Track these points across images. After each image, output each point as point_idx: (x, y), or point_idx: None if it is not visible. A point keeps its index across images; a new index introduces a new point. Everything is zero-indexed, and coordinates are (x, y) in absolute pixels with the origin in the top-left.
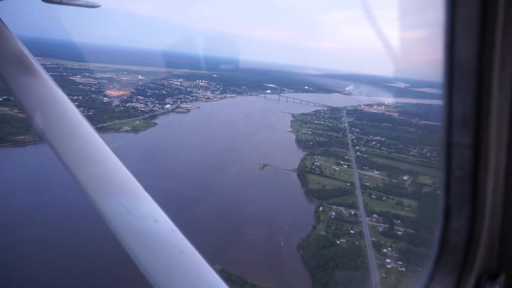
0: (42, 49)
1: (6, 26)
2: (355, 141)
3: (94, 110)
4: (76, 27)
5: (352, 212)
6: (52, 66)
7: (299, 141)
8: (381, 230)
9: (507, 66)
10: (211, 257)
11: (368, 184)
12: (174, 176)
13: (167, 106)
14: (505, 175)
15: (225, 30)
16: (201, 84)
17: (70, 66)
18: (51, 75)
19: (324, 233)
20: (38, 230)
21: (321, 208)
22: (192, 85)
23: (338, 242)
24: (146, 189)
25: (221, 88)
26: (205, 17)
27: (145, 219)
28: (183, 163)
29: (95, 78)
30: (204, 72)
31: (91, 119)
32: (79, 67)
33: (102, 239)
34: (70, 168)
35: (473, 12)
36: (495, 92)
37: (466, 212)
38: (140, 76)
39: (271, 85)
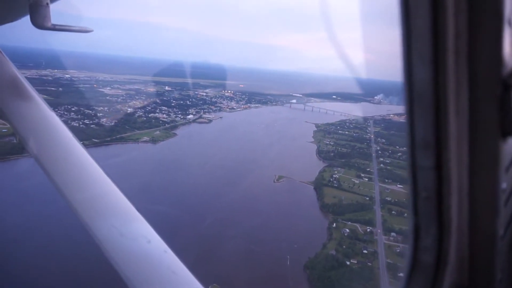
0: (78, 62)
1: (0, 51)
2: (379, 152)
3: (116, 121)
4: (110, 42)
5: (368, 230)
6: (85, 78)
7: (319, 152)
8: (398, 250)
9: (461, 92)
10: (210, 275)
11: (389, 198)
12: (184, 188)
13: (190, 116)
14: (468, 194)
15: (254, 40)
16: (226, 94)
17: (102, 78)
18: (83, 87)
19: (334, 252)
20: (28, 252)
21: (334, 225)
22: (217, 95)
23: (348, 263)
24: (139, 210)
25: (246, 98)
26: (234, 28)
27: (137, 240)
28: (195, 174)
29: (124, 90)
30: (230, 82)
31: (113, 130)
32: (110, 79)
33: (95, 261)
34: (62, 191)
35: (426, 45)
36: (452, 117)
37: (434, 230)
38: (167, 87)
39: (297, 95)
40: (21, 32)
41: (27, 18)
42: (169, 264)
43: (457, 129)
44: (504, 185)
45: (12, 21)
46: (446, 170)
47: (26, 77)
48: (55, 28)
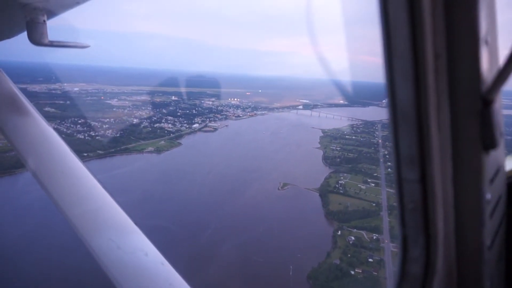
0: (87, 76)
1: None
2: (387, 156)
3: (122, 132)
4: (118, 53)
5: (375, 237)
6: (93, 91)
7: (326, 158)
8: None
9: (442, 109)
10: (209, 286)
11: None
12: (186, 197)
13: (195, 125)
14: (454, 206)
15: (259, 48)
16: (232, 102)
17: (110, 91)
18: (90, 100)
19: (338, 261)
20: (28, 263)
21: (339, 232)
22: (223, 104)
23: (352, 272)
24: (136, 223)
25: (252, 106)
26: (238, 36)
27: (135, 253)
28: (198, 183)
29: (130, 101)
30: (236, 90)
31: (118, 141)
32: (118, 91)
33: (93, 274)
34: (60, 205)
35: (407, 64)
36: (434, 133)
37: (421, 241)
38: (173, 97)
39: (304, 101)
40: (32, 47)
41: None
42: (166, 277)
43: (439, 144)
44: (488, 196)
45: (9, 37)
46: (431, 183)
47: (36, 92)
48: (52, 44)
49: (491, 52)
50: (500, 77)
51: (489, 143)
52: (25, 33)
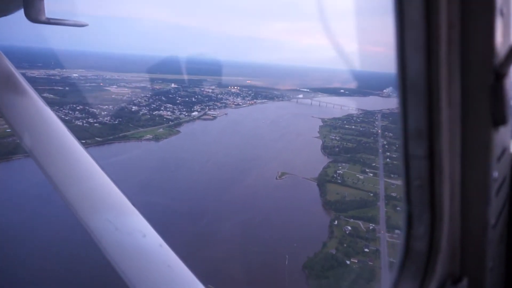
0: (87, 62)
1: None
2: (386, 146)
3: (120, 119)
4: (118, 39)
5: (371, 227)
6: (93, 77)
7: (325, 148)
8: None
9: (453, 82)
10: (204, 275)
11: (394, 194)
12: (182, 185)
13: (194, 113)
14: (460, 183)
15: (259, 35)
16: (232, 90)
17: (109, 77)
18: (90, 86)
19: (334, 251)
20: (27, 249)
21: (336, 222)
22: (223, 92)
23: (348, 262)
24: (134, 204)
25: (252, 94)
26: (239, 23)
27: (132, 234)
28: (195, 171)
29: (130, 88)
30: (237, 78)
31: (116, 128)
32: (117, 77)
33: (90, 256)
34: (57, 185)
35: (419, 34)
36: (445, 106)
37: (426, 219)
38: (173, 84)
39: (304, 89)
40: (31, 32)
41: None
42: (164, 258)
43: (449, 118)
44: (495, 174)
45: (5, 15)
46: (438, 159)
47: (35, 77)
48: (49, 22)
49: (506, 25)
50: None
51: (499, 119)
52: (23, 15)
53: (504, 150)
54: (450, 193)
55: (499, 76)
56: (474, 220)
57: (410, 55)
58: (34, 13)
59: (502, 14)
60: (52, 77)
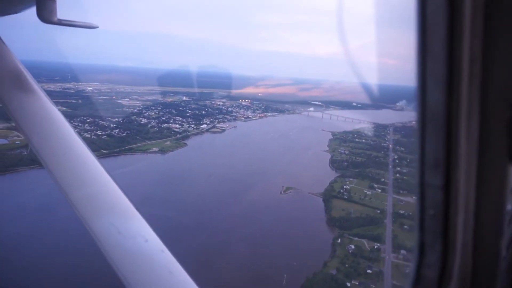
0: (101, 76)
1: (3, 43)
2: (396, 161)
3: (128, 132)
4: (133, 53)
5: (376, 246)
6: (106, 90)
7: (333, 162)
8: (408, 271)
9: (472, 115)
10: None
11: (402, 211)
12: (185, 199)
13: (203, 126)
14: (474, 214)
15: (280, 49)
16: (243, 103)
17: (122, 90)
18: (102, 99)
19: (334, 272)
20: (33, 255)
21: (339, 240)
22: (234, 105)
23: (348, 284)
24: (138, 210)
25: (263, 107)
26: (253, 36)
27: (135, 239)
28: (199, 185)
29: (141, 101)
30: (248, 91)
31: (123, 141)
32: (130, 90)
33: (92, 258)
34: (62, 186)
35: (441, 67)
36: (463, 138)
37: (439, 248)
38: (184, 97)
39: (316, 102)
40: (49, 47)
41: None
42: (165, 264)
43: (467, 150)
44: (510, 206)
45: (16, 12)
46: (454, 190)
47: (50, 90)
48: (61, 22)
49: None
50: None
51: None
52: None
53: None
54: (464, 223)
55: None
56: (487, 251)
57: (430, 86)
58: (46, 14)
59: None
60: (67, 90)
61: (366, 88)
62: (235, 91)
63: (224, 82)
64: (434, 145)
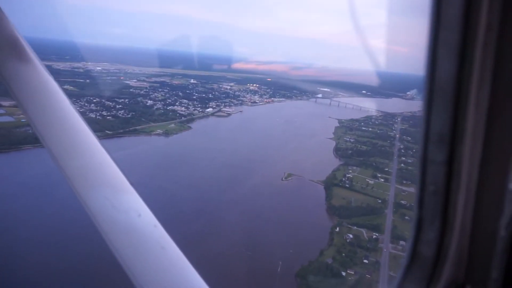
0: (112, 55)
1: (1, 10)
2: (402, 150)
3: (134, 113)
4: (145, 33)
5: (374, 236)
6: (115, 71)
7: (337, 150)
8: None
9: (483, 87)
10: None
11: (404, 202)
12: (185, 184)
13: (209, 109)
14: (475, 192)
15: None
16: (251, 88)
17: (130, 71)
18: (110, 80)
19: (330, 260)
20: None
21: (338, 229)
22: (241, 89)
23: (343, 273)
24: (132, 184)
25: (271, 92)
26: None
27: (128, 213)
28: (200, 170)
29: (148, 82)
30: (257, 76)
31: (128, 122)
32: (138, 71)
33: (86, 231)
34: (56, 157)
35: (454, 35)
36: (471, 111)
37: (437, 225)
38: (192, 80)
39: (325, 89)
40: (62, 25)
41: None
42: (158, 239)
43: (474, 124)
44: (505, 187)
45: None
46: (457, 166)
47: (59, 69)
48: None
49: None
50: None
51: None
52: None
53: None
54: (465, 201)
55: None
56: (485, 230)
57: (441, 56)
58: None
59: None
60: (76, 70)
61: (377, 76)
62: (243, 75)
63: (232, 66)
64: (440, 118)
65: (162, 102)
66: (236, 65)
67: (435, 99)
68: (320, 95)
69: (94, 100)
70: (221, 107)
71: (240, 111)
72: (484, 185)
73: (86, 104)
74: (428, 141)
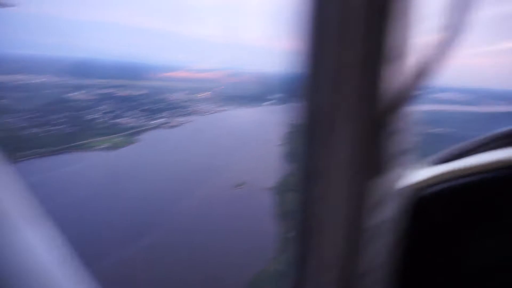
0: (57, 67)
1: None
2: None
3: (77, 127)
4: (92, 43)
5: None
6: (58, 83)
7: (289, 155)
8: None
9: (342, 127)
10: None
11: None
12: (127, 197)
13: (158, 121)
14: (338, 230)
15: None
16: (203, 96)
17: (75, 83)
18: (51, 92)
19: (282, 267)
20: None
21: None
22: (193, 99)
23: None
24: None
25: (223, 100)
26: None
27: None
28: (146, 182)
29: (94, 94)
30: (210, 84)
31: (71, 137)
32: (84, 83)
33: None
34: None
35: (321, 69)
36: (333, 150)
37: (303, 266)
38: (141, 90)
39: (277, 95)
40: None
41: None
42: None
43: (333, 164)
44: (373, 220)
45: None
46: (319, 205)
47: None
48: None
49: (400, 69)
50: (398, 99)
51: (379, 168)
52: None
53: (385, 196)
54: (333, 239)
55: (381, 124)
56: (349, 268)
57: (311, 88)
58: None
59: (400, 56)
60: (12, 83)
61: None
62: (195, 85)
63: (181, 75)
64: (310, 156)
65: (108, 115)
66: (185, 74)
67: (302, 134)
68: (269, 102)
69: (32, 116)
70: (170, 118)
71: (191, 121)
72: (345, 223)
73: (22, 121)
74: (297, 177)
